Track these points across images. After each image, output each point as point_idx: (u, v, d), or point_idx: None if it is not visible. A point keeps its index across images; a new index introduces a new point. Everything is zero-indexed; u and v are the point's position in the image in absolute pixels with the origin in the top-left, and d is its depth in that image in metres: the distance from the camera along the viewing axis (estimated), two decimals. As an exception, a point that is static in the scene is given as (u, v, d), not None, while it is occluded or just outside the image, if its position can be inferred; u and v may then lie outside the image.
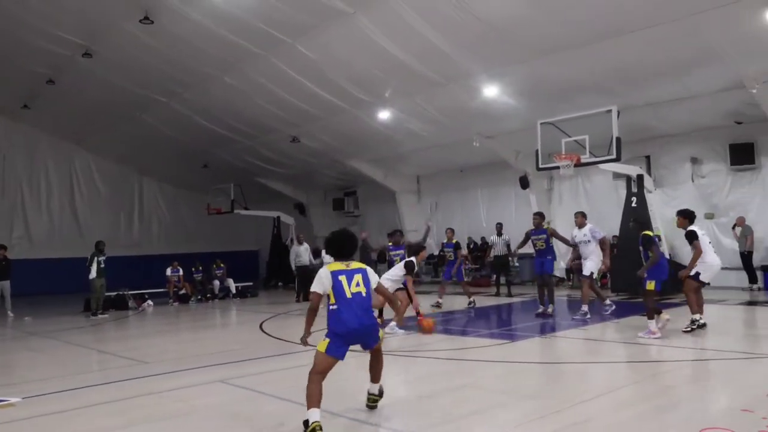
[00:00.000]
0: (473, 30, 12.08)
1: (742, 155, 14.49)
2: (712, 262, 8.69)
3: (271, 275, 23.99)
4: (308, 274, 17.04)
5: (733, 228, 14.42)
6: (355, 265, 4.97)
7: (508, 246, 15.23)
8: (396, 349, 8.24)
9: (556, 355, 7.98)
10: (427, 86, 14.81)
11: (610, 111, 12.10)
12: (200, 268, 18.23)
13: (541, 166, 13.35)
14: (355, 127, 17.87)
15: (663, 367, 6.68)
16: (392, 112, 16.49)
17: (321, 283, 4.77)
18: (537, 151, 13.28)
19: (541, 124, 13.20)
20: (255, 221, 25.97)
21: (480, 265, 19.76)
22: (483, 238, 19.89)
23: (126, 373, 7.16)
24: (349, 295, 4.75)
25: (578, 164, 12.59)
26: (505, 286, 15.85)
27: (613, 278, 14.86)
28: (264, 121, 18.47)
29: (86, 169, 25.31)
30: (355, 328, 4.73)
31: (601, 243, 10.70)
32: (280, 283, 23.19)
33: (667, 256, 14.59)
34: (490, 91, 14.30)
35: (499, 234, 15.54)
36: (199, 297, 17.83)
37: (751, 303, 12.28)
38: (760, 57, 11.55)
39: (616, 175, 15.74)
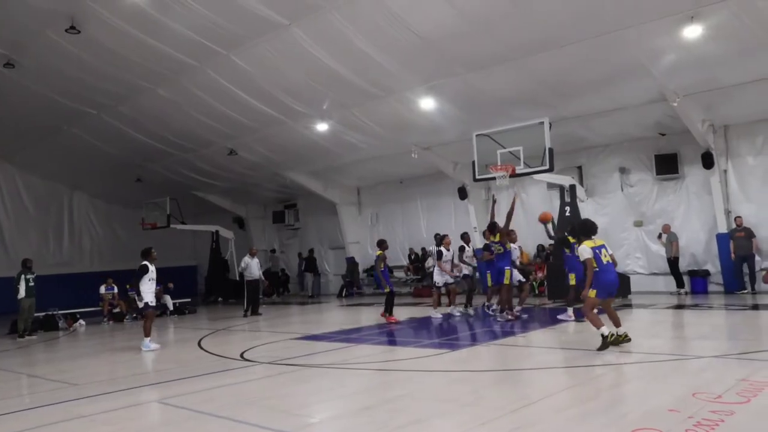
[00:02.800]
0: (409, 43, 12.23)
1: (666, 165, 15.17)
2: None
3: (210, 290, 23.46)
4: (257, 288, 16.80)
5: (659, 237, 15.04)
6: (599, 242, 8.06)
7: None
8: (330, 363, 8.18)
9: (496, 363, 8.09)
10: (365, 98, 14.88)
11: (542, 123, 12.44)
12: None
13: (477, 177, 13.60)
14: (294, 140, 17.75)
15: (596, 371, 6.87)
16: (330, 125, 16.48)
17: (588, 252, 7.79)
18: (473, 162, 13.52)
19: (477, 135, 13.46)
20: (193, 236, 25.42)
21: (421, 275, 19.91)
22: (423, 249, 20.08)
23: (54, 396, 6.81)
24: (604, 262, 7.79)
25: (513, 175, 12.89)
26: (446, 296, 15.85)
27: (549, 286, 15.27)
28: (200, 133, 18.11)
29: (12, 186, 24.11)
30: (611, 282, 7.87)
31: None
32: (219, 299, 22.71)
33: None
34: (427, 103, 14.49)
35: (439, 245, 15.61)
36: (135, 315, 17.22)
37: (678, 306, 12.81)
38: (679, 72, 12.14)
39: (551, 185, 16.21)
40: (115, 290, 16.99)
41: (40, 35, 13.59)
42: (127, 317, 16.97)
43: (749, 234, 13.87)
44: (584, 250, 7.89)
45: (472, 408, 5.46)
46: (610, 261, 7.98)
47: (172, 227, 21.90)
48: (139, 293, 10.66)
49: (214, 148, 19.15)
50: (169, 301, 17.81)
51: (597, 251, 7.88)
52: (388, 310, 12.80)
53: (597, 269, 7.80)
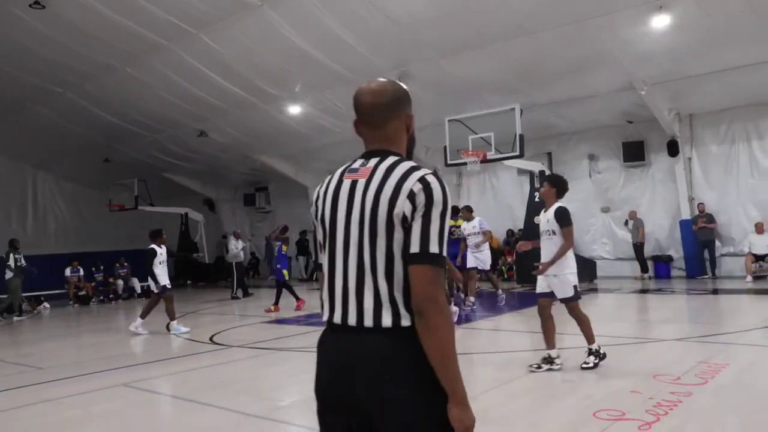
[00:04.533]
0: (382, 27, 12.17)
1: (633, 152, 15.43)
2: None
3: (179, 273, 23.22)
4: (242, 270, 17.01)
5: (626, 223, 15.34)
6: None
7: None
8: (301, 347, 8.21)
9: (462, 346, 8.18)
10: (337, 81, 14.76)
11: (513, 109, 12.54)
12: (101, 267, 17.39)
13: (449, 162, 13.66)
14: (265, 122, 17.57)
15: (561, 355, 7.00)
16: (302, 107, 16.35)
17: None
18: (445, 147, 13.58)
19: (449, 121, 13.50)
20: (162, 218, 24.85)
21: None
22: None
23: (19, 380, 6.73)
24: None
25: (484, 160, 12.98)
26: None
27: (518, 270, 15.50)
28: (169, 114, 17.80)
29: (-29, 165, 23.43)
30: None
31: (485, 235, 11.44)
32: (189, 282, 22.51)
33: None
34: (400, 87, 14.42)
35: None
36: (102, 298, 17.02)
37: (642, 291, 13.13)
38: (647, 61, 12.33)
39: (521, 171, 16.37)
40: (81, 273, 16.71)
41: (2, 9, 13.17)
42: (93, 300, 16.73)
43: (710, 220, 14.24)
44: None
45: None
46: None
47: (140, 209, 21.55)
48: (154, 277, 10.31)
49: (184, 129, 18.86)
50: (136, 284, 17.61)
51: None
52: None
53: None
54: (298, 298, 12.51)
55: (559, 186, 6.41)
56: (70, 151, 22.23)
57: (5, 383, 6.62)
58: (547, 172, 15.17)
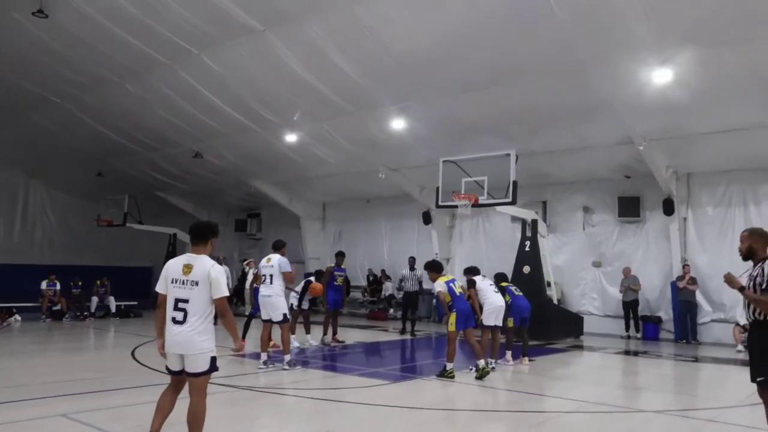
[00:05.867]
0: (383, 62, 12.08)
1: (629, 208, 15.20)
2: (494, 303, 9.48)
3: (161, 294, 22.77)
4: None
5: (621, 289, 14.90)
6: (450, 276, 9.42)
7: (420, 282, 14.96)
8: (266, 386, 7.85)
9: (433, 400, 7.77)
10: (336, 113, 14.66)
11: (509, 155, 12.34)
12: (80, 283, 16.98)
13: (440, 203, 13.42)
14: (261, 148, 17.42)
15: (535, 419, 6.63)
16: (299, 136, 16.18)
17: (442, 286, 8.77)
18: (438, 188, 13.35)
19: (444, 161, 13.31)
20: (150, 237, 24.66)
21: (377, 297, 19.63)
22: (383, 270, 19.82)
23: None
24: (457, 293, 8.84)
25: (476, 204, 12.73)
26: (410, 322, 15.06)
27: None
28: (165, 132, 17.66)
29: (-38, 169, 23.22)
30: (467, 311, 8.86)
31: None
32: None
33: (555, 301, 15.09)
34: (398, 124, 14.32)
35: (412, 269, 15.33)
36: (77, 314, 16.59)
37: (627, 352, 12.66)
38: (647, 116, 12.18)
39: (514, 218, 16.13)
40: (58, 287, 16.29)
41: (4, 15, 13.10)
42: (66, 316, 16.28)
43: (694, 283, 13.91)
44: (439, 284, 8.85)
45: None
46: (462, 293, 9.00)
47: (129, 226, 21.25)
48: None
49: (180, 149, 18.70)
50: (112, 303, 17.17)
51: (450, 284, 8.85)
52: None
53: (451, 302, 8.71)
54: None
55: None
56: (64, 161, 22.08)
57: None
58: (540, 222, 14.93)
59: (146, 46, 13.24)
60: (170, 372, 4.58)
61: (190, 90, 14.79)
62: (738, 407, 6.99)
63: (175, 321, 4.40)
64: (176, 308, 4.41)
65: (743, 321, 12.98)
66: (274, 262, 9.40)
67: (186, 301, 4.38)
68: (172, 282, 4.45)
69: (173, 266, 4.50)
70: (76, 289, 16.98)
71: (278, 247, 9.88)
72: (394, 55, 11.79)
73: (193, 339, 4.37)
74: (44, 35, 13.37)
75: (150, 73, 14.53)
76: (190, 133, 17.40)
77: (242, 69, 13.55)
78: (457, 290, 8.89)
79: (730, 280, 4.75)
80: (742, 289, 4.69)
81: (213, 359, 4.48)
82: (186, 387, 4.58)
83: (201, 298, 4.38)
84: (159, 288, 4.56)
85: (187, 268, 4.42)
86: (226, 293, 4.48)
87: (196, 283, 4.38)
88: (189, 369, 4.45)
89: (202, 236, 4.61)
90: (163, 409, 4.54)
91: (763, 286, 4.53)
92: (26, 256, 23.61)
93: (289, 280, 9.49)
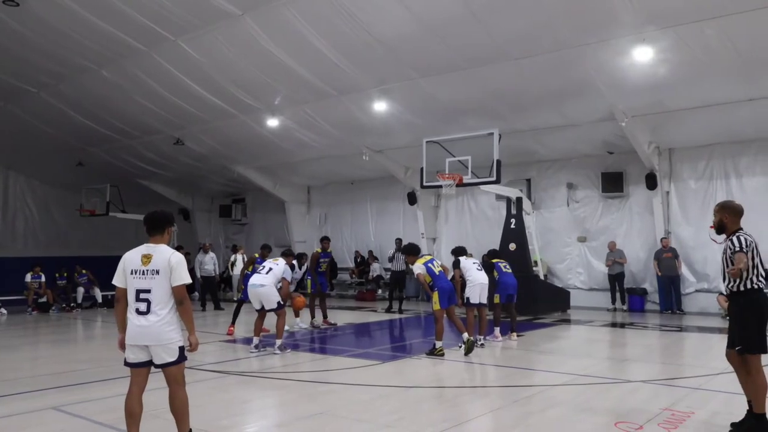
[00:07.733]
0: (364, 44, 11.97)
1: (612, 183, 15.33)
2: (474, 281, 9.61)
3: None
4: (214, 283, 16.61)
5: (607, 263, 15.08)
6: (428, 257, 9.55)
7: (407, 262, 15.02)
8: (258, 370, 7.87)
9: (423, 379, 7.85)
10: (317, 96, 14.55)
11: (492, 134, 12.34)
12: (65, 274, 16.84)
13: (425, 183, 13.41)
14: (243, 133, 17.27)
15: (523, 393, 6.72)
16: (282, 121, 16.07)
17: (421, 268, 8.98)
18: (422, 168, 13.34)
19: (427, 142, 13.28)
20: (134, 225, 24.42)
21: (365, 279, 19.68)
22: (370, 252, 19.86)
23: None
24: (437, 273, 8.95)
25: (460, 184, 12.74)
26: (397, 301, 15.65)
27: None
28: (145, 120, 17.43)
29: (-61, 161, 22.83)
30: (448, 289, 8.94)
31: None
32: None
33: (542, 277, 15.24)
34: (380, 106, 14.26)
35: (398, 249, 15.45)
36: (63, 305, 16.47)
37: (614, 325, 12.87)
38: (628, 93, 12.23)
39: (499, 197, 16.18)
40: (42, 279, 16.13)
41: (-27, 5, 12.79)
42: (53, 308, 16.16)
43: (675, 255, 14.10)
44: (417, 267, 8.99)
45: (388, 429, 5.23)
46: (442, 271, 9.11)
47: (112, 215, 21.05)
48: None
49: (160, 136, 18.49)
50: (98, 293, 17.05)
51: (429, 265, 9.00)
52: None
53: (431, 282, 8.85)
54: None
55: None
56: (43, 152, 21.76)
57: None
58: (525, 199, 15.00)
59: (120, 32, 12.99)
60: (131, 365, 4.47)
61: (168, 76, 14.58)
62: (722, 374, 7.11)
63: (138, 312, 4.33)
64: (138, 299, 4.33)
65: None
66: (280, 264, 9.66)
67: (148, 291, 4.32)
68: (132, 273, 4.36)
69: (131, 258, 4.43)
70: (61, 280, 16.83)
71: (288, 255, 10.74)
72: (374, 36, 11.70)
73: (161, 330, 4.31)
74: (15, 24, 13.08)
75: (126, 60, 14.28)
76: (170, 120, 17.19)
77: (221, 54, 13.36)
78: (437, 269, 8.98)
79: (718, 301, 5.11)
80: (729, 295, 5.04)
81: (181, 348, 4.44)
82: (147, 381, 4.51)
83: (163, 287, 4.33)
84: (117, 281, 4.47)
85: (147, 258, 4.36)
86: (187, 281, 4.42)
87: (157, 272, 4.32)
88: (157, 361, 4.38)
89: (158, 226, 4.55)
90: (135, 414, 4.42)
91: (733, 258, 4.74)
92: (9, 249, 23.37)
93: (283, 288, 9.53)
